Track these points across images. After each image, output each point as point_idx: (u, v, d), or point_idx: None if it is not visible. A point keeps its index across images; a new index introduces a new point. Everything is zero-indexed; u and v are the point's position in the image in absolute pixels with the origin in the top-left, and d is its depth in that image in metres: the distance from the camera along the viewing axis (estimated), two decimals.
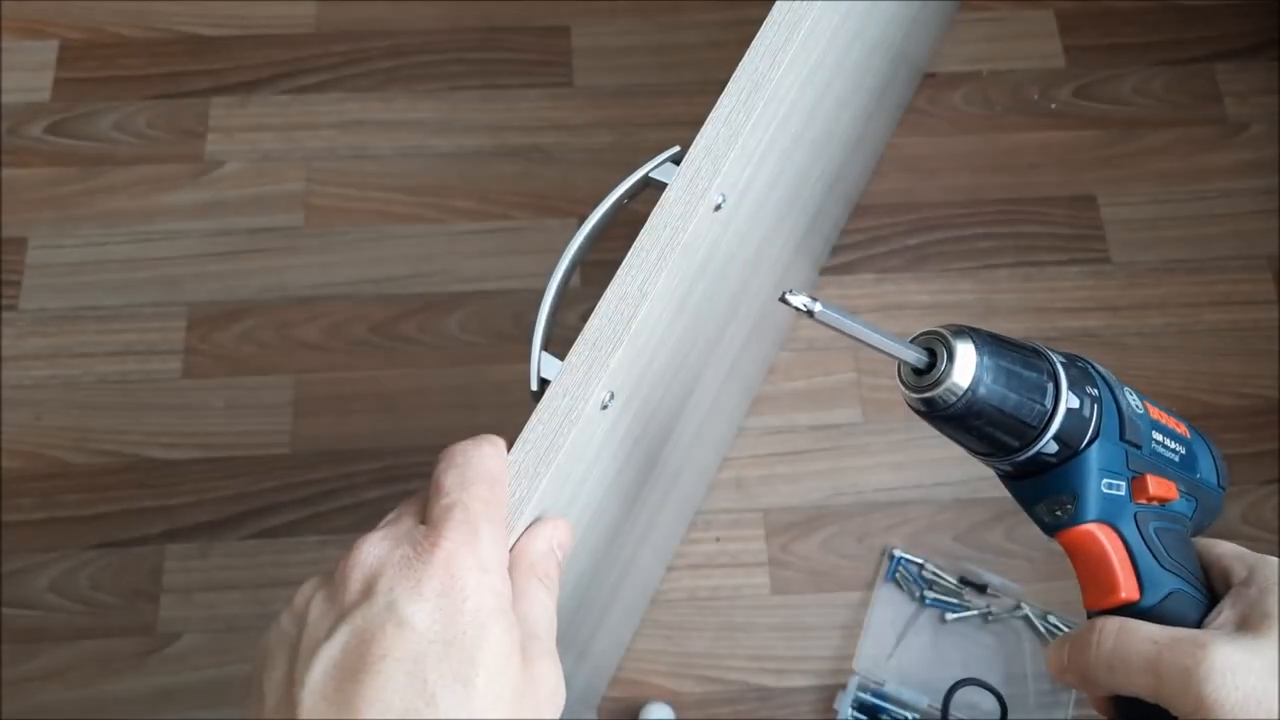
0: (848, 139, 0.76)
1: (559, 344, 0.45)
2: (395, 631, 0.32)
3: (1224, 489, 0.48)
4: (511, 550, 0.38)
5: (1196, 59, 1.06)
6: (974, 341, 0.39)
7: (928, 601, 0.85)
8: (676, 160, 0.46)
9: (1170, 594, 0.42)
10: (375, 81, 1.04)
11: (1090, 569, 0.43)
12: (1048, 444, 0.40)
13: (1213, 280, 0.97)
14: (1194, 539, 0.46)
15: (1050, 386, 0.40)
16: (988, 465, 0.43)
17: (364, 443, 0.90)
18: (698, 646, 0.85)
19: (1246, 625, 0.40)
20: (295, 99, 1.03)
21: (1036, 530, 0.44)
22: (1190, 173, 1.01)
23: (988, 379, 0.39)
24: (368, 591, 0.33)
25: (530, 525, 0.39)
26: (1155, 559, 0.42)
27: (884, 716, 0.82)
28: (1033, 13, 1.08)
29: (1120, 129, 1.03)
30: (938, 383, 0.39)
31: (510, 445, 0.41)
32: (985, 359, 0.39)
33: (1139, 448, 0.43)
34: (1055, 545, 0.46)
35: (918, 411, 0.41)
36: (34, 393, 0.92)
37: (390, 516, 0.37)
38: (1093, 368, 0.43)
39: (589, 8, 1.07)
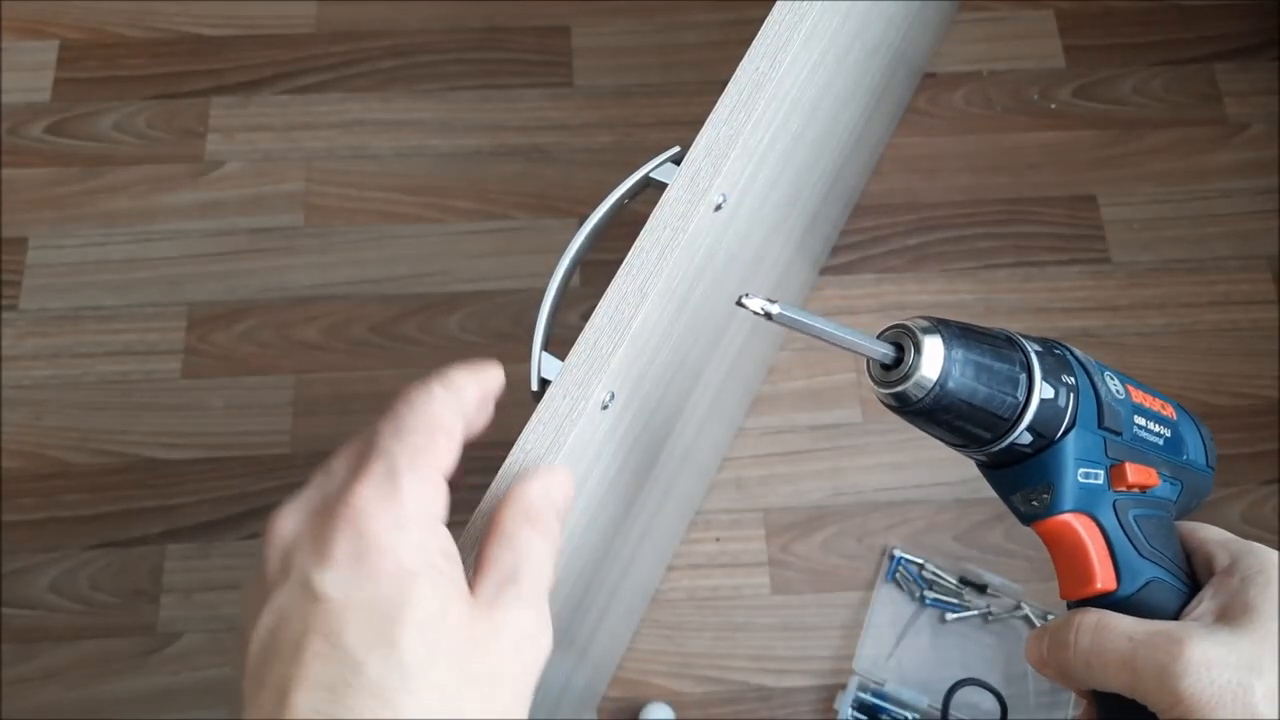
0: (848, 139, 0.76)
1: (559, 344, 0.45)
2: (311, 606, 0.30)
3: (1213, 469, 0.48)
4: (506, 493, 0.36)
5: (1196, 59, 1.06)
6: (942, 335, 0.39)
7: (928, 601, 0.85)
8: (677, 160, 0.46)
9: (1148, 583, 0.42)
10: (375, 81, 1.04)
11: (1066, 559, 0.42)
12: (1021, 435, 0.40)
13: (1212, 280, 0.97)
14: (1180, 523, 0.46)
15: (1023, 377, 0.40)
16: (964, 455, 0.43)
17: None
18: (698, 646, 0.85)
19: (1225, 617, 0.40)
20: (295, 99, 1.03)
21: (998, 494, 0.44)
22: (1190, 173, 1.01)
23: (956, 372, 0.38)
24: (284, 568, 0.32)
25: (522, 471, 0.38)
26: (1134, 547, 0.42)
27: (884, 716, 0.82)
28: (1033, 13, 1.08)
29: (1120, 129, 1.03)
30: (905, 377, 0.39)
31: (510, 446, 0.41)
32: (953, 352, 0.39)
33: (1119, 434, 0.43)
34: None
35: (888, 406, 0.40)
36: (34, 393, 0.92)
37: (319, 472, 0.35)
38: (1070, 354, 0.42)
39: (589, 8, 1.07)
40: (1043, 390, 0.40)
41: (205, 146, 1.01)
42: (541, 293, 0.47)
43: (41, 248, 0.97)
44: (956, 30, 1.06)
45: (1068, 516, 0.41)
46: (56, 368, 0.92)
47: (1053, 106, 1.04)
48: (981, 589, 0.85)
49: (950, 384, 0.38)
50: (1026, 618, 0.84)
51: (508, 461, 0.41)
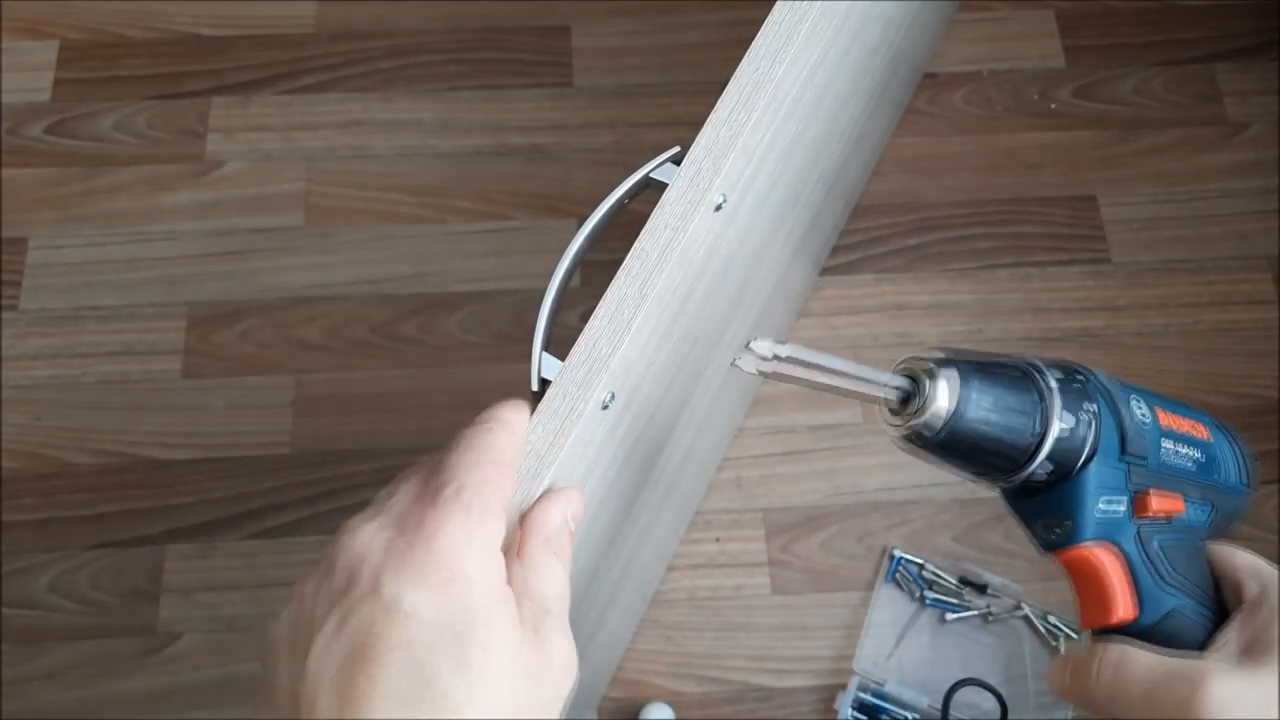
0: (848, 139, 0.76)
1: (559, 344, 0.45)
2: (385, 618, 0.31)
3: (1251, 489, 0.47)
4: (523, 521, 0.37)
5: (1196, 59, 1.06)
6: (957, 368, 0.38)
7: (928, 602, 0.85)
8: (677, 160, 0.46)
9: (1170, 613, 0.41)
10: (375, 82, 1.04)
11: (1087, 588, 0.42)
12: (1039, 467, 0.40)
13: (1212, 280, 0.97)
14: (1213, 545, 0.45)
15: (1039, 411, 0.39)
16: (983, 485, 0.43)
17: (364, 443, 0.90)
18: (698, 646, 0.85)
19: (1249, 653, 0.39)
20: (295, 99, 1.03)
21: (1020, 523, 0.44)
22: (1190, 173, 1.01)
23: (970, 408, 0.38)
24: (353, 578, 0.33)
25: (541, 496, 0.39)
26: (1157, 576, 0.41)
27: (884, 716, 0.82)
28: (1033, 13, 1.08)
29: (1120, 129, 1.03)
30: (918, 413, 0.38)
31: None
32: (968, 386, 0.38)
33: (1144, 459, 0.42)
34: None
35: (902, 444, 0.40)
36: (34, 393, 0.92)
37: (382, 494, 0.36)
38: (1094, 380, 0.42)
39: (589, 8, 1.07)
40: (1061, 422, 0.39)
41: (205, 147, 1.01)
42: (541, 293, 0.47)
43: (42, 248, 0.97)
44: (956, 30, 1.06)
45: (1088, 546, 0.41)
46: (56, 368, 0.92)
47: (1053, 106, 1.04)
48: (981, 589, 0.85)
49: (964, 420, 0.38)
50: (1026, 618, 0.84)
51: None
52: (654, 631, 0.85)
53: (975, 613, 0.85)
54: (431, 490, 0.34)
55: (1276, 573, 0.42)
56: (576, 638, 0.64)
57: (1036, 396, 0.39)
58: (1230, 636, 0.41)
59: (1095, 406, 0.40)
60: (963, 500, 0.89)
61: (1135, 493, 0.42)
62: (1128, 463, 0.41)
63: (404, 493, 0.35)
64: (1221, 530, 0.46)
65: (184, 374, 0.93)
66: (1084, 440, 0.40)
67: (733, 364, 0.37)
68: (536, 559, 0.36)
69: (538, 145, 1.02)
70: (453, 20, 1.07)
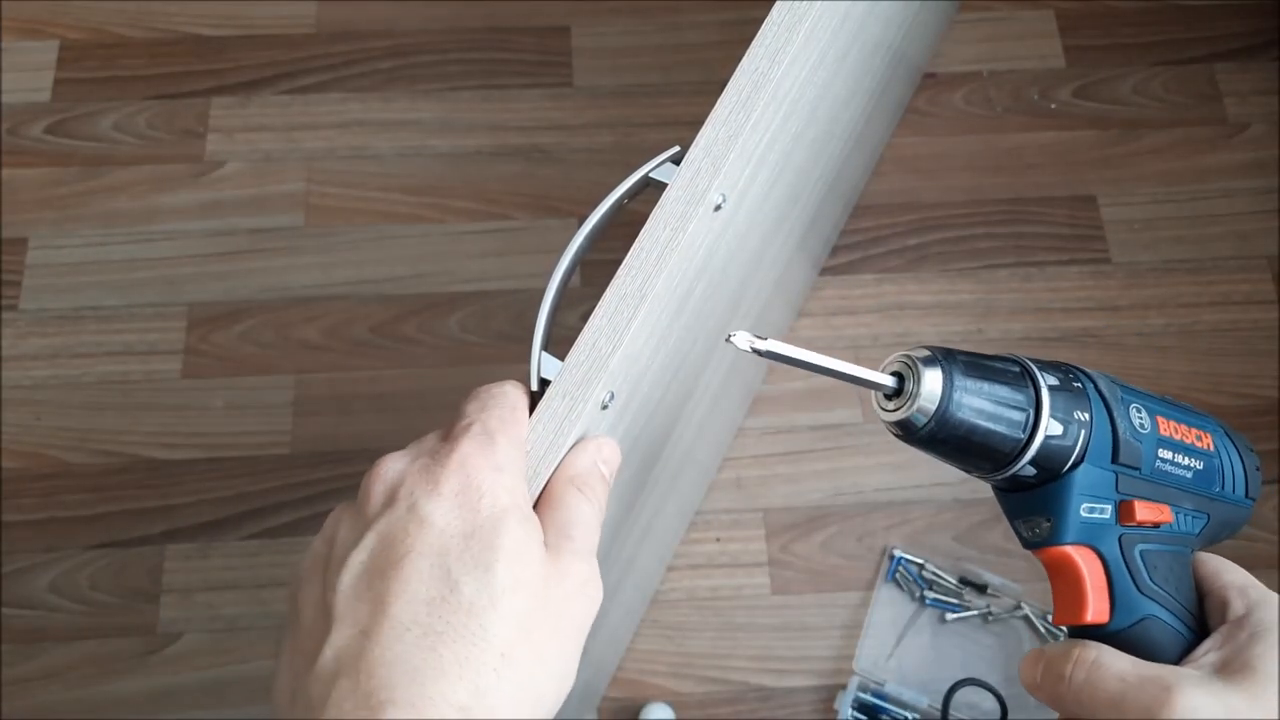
0: (847, 139, 0.76)
1: (559, 344, 0.45)
2: (417, 530, 0.34)
3: (1253, 499, 0.46)
4: (558, 467, 0.40)
5: (1196, 59, 1.06)
6: (943, 366, 0.38)
7: (928, 602, 0.85)
8: (676, 160, 0.46)
9: (1143, 620, 0.41)
10: (375, 82, 1.04)
11: (1061, 587, 0.42)
12: (1024, 468, 0.40)
13: (1212, 280, 0.97)
14: (1204, 557, 0.44)
15: (1028, 415, 0.39)
16: (972, 477, 0.43)
17: (364, 443, 0.90)
18: (698, 647, 0.85)
19: (1225, 670, 0.39)
20: (295, 99, 1.03)
21: (1005, 516, 0.44)
22: (1190, 173, 1.01)
23: (955, 406, 0.38)
24: (390, 499, 0.36)
25: (575, 444, 0.41)
26: (1134, 583, 0.41)
27: (884, 716, 0.82)
28: (1033, 13, 1.08)
29: (1120, 129, 1.03)
30: (905, 407, 0.39)
31: None
32: (954, 385, 0.38)
33: (1136, 469, 0.42)
34: None
35: (892, 434, 0.40)
36: (34, 393, 0.92)
37: (408, 447, 0.39)
38: (1091, 386, 0.41)
39: (589, 8, 1.07)
40: (1049, 428, 0.39)
41: (205, 147, 1.01)
42: (541, 293, 0.47)
43: (41, 248, 0.97)
44: (956, 30, 1.06)
45: (1068, 548, 0.41)
46: (56, 368, 0.92)
47: (1053, 106, 1.04)
48: (981, 589, 0.85)
49: (949, 417, 0.38)
50: (1026, 618, 0.84)
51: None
52: (654, 631, 0.85)
53: (975, 613, 0.85)
54: (456, 432, 0.38)
55: (1264, 594, 0.42)
56: None
57: (1028, 398, 0.39)
58: (1208, 652, 0.40)
59: (1087, 415, 0.40)
60: (963, 500, 0.89)
61: (1121, 500, 0.42)
62: (1117, 470, 0.41)
63: (429, 439, 0.39)
64: (1215, 539, 0.46)
65: (184, 374, 0.93)
66: (1071, 447, 0.40)
67: (727, 339, 0.38)
68: (559, 493, 0.39)
69: (538, 145, 1.02)
70: (453, 20, 1.07)
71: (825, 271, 0.97)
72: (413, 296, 0.95)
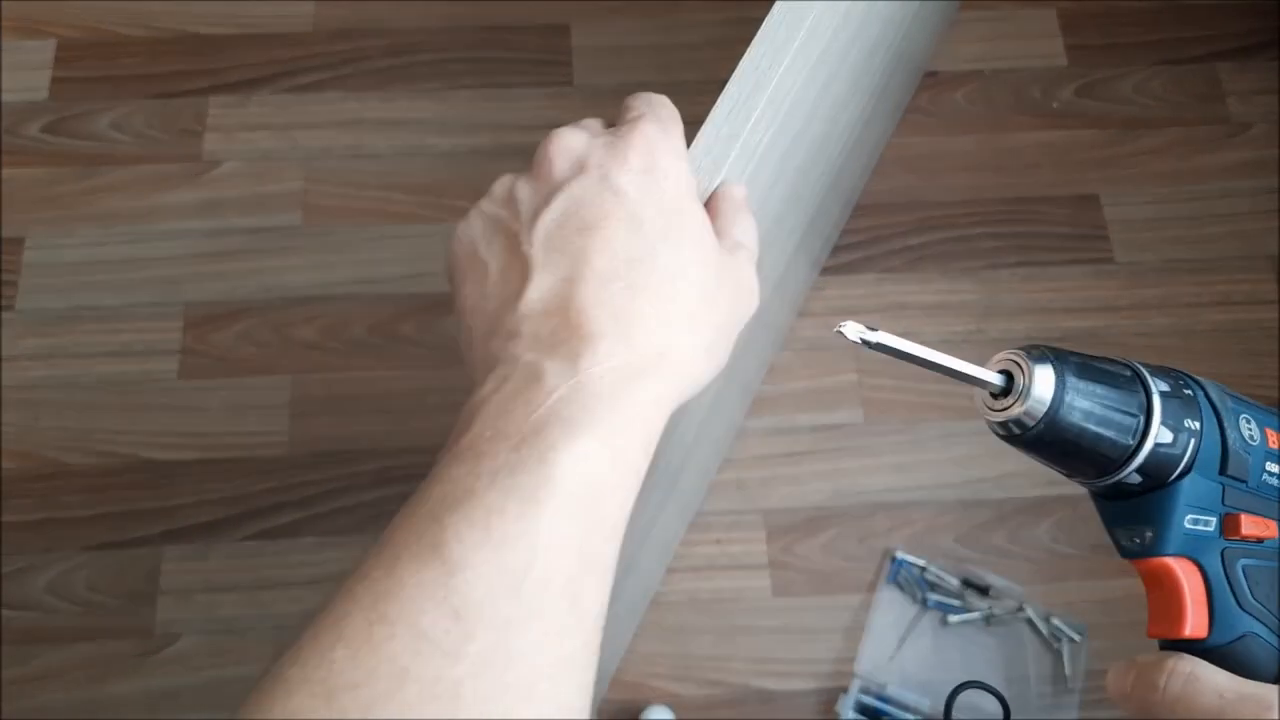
0: (848, 139, 0.76)
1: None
2: (613, 198, 0.37)
3: None
4: (713, 195, 0.43)
5: (1198, 58, 1.06)
6: (1054, 365, 0.38)
7: (930, 603, 0.85)
8: None
9: (1242, 637, 0.40)
10: (374, 80, 1.04)
11: (1160, 600, 0.41)
12: (1130, 476, 0.39)
13: (1214, 280, 0.97)
14: None
15: (1139, 420, 0.38)
16: (1073, 482, 0.42)
17: (362, 443, 0.90)
18: (698, 649, 0.85)
19: None
20: (294, 98, 1.03)
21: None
22: (1191, 172, 1.01)
23: (1065, 408, 0.37)
24: (580, 168, 0.38)
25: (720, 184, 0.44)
26: (1236, 598, 0.40)
27: (885, 719, 0.82)
28: (1034, 12, 1.07)
29: (1121, 129, 1.03)
30: (1013, 407, 0.38)
31: None
32: (1066, 387, 0.37)
33: (1243, 481, 0.41)
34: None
35: (995, 433, 0.39)
36: (32, 393, 0.91)
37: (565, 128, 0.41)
38: (1203, 393, 0.41)
39: (589, 7, 1.07)
40: (1159, 435, 0.38)
41: (203, 146, 1.01)
42: None
43: (39, 248, 0.96)
44: (957, 30, 1.06)
45: (1169, 560, 0.40)
46: (54, 368, 0.92)
47: (1054, 106, 1.03)
48: (983, 591, 0.85)
49: (1058, 419, 0.37)
50: (1029, 620, 0.84)
51: None
52: (654, 633, 0.85)
53: (977, 615, 0.84)
54: (630, 119, 0.41)
55: None
56: None
57: (1139, 403, 0.38)
58: None
59: (1198, 424, 0.39)
60: (965, 502, 0.88)
61: (1226, 513, 0.40)
62: (1224, 482, 0.40)
63: (595, 123, 0.42)
64: None
65: (181, 374, 0.92)
66: (1179, 456, 0.39)
67: (836, 331, 0.38)
68: (730, 206, 0.42)
69: (537, 143, 1.01)
70: (452, 19, 1.07)
71: (826, 271, 0.96)
72: (411, 296, 0.95)
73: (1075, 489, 0.42)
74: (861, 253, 0.97)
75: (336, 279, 0.96)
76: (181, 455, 0.90)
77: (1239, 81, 1.04)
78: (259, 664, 0.83)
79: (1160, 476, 0.39)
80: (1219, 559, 0.41)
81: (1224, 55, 1.06)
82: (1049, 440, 0.38)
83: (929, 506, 0.89)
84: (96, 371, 0.92)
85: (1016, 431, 0.38)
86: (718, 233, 0.40)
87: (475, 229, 0.39)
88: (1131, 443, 0.38)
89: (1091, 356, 0.39)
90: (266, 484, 0.89)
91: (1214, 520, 0.40)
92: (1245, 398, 0.43)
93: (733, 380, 0.76)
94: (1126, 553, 0.41)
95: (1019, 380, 0.38)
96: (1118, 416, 0.38)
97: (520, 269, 0.36)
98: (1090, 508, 0.42)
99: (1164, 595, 0.41)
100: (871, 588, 0.86)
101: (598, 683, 0.84)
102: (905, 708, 0.82)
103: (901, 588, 0.86)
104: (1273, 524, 0.42)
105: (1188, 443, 0.39)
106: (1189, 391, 0.40)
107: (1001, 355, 0.39)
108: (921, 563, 0.86)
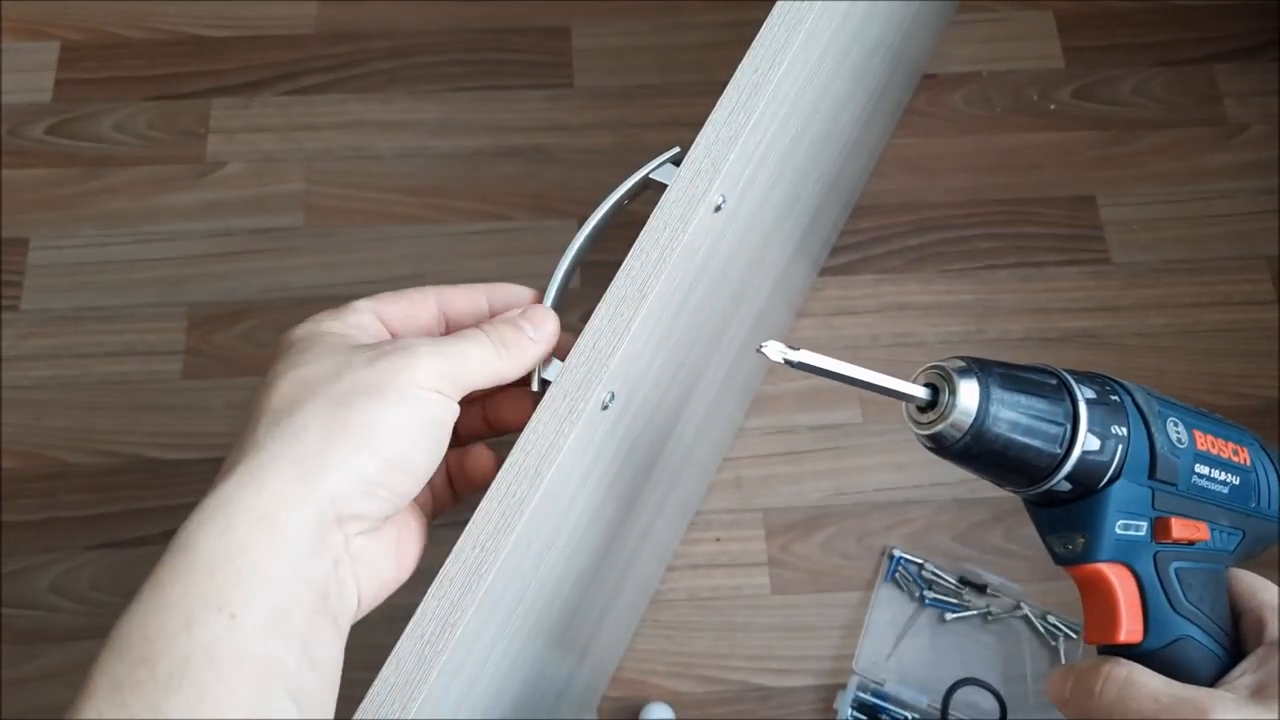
0: (847, 139, 0.76)
1: (559, 344, 0.45)
2: None
3: None
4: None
5: (1196, 60, 1.06)
6: (978, 378, 0.38)
7: (927, 601, 0.85)
8: (676, 161, 0.46)
9: (1177, 640, 0.40)
10: (376, 82, 1.04)
11: (1094, 606, 0.41)
12: (1059, 484, 0.39)
13: (1212, 281, 0.97)
14: (1239, 575, 0.44)
15: (1065, 429, 0.38)
16: (1005, 490, 0.42)
17: None
18: (698, 646, 0.85)
19: (1261, 694, 0.38)
20: (296, 100, 1.03)
21: (1036, 532, 0.43)
22: (1190, 173, 1.01)
23: (991, 419, 0.37)
24: None
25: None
26: (1169, 602, 0.40)
27: (884, 716, 0.82)
28: (1032, 13, 1.08)
29: (1120, 130, 1.03)
30: (939, 420, 0.38)
31: (511, 446, 0.41)
32: (990, 398, 0.37)
33: (1173, 484, 0.41)
34: None
35: (925, 446, 0.39)
36: (34, 393, 0.92)
37: None
38: (1129, 399, 0.40)
39: (590, 8, 1.07)
40: (1086, 443, 0.38)
41: (206, 147, 1.01)
42: (541, 293, 0.47)
43: (42, 248, 0.97)
44: (956, 31, 1.07)
45: (1101, 566, 0.40)
46: (57, 368, 0.93)
47: (1052, 107, 1.04)
48: (981, 589, 0.85)
49: (985, 430, 0.37)
50: (1026, 618, 0.84)
51: (508, 461, 0.41)
52: (654, 631, 0.85)
53: (975, 612, 0.85)
54: None
55: None
56: (576, 638, 0.64)
57: (1065, 411, 0.39)
58: (1244, 673, 0.40)
59: (1125, 430, 0.39)
60: (963, 500, 0.89)
61: (1156, 517, 0.41)
62: (1153, 486, 0.40)
63: None
64: (1249, 555, 0.45)
65: (184, 374, 0.93)
66: (1108, 463, 0.39)
67: (758, 350, 0.37)
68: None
69: (538, 146, 1.02)
70: (453, 21, 1.07)
71: (825, 272, 0.97)
72: None
73: None
74: (860, 253, 0.98)
75: (338, 279, 0.96)
76: (184, 455, 0.90)
77: (1237, 83, 1.05)
78: None
79: (1090, 483, 0.39)
80: (1152, 563, 0.41)
81: (1222, 57, 1.06)
82: (976, 452, 0.38)
83: (927, 505, 0.89)
84: (99, 371, 0.93)
85: (944, 444, 0.38)
86: None
87: None
88: (1059, 451, 0.38)
89: (1017, 366, 0.39)
90: None
91: (1145, 525, 0.40)
92: (1173, 400, 0.42)
93: (732, 380, 0.76)
94: (1060, 559, 0.42)
95: (943, 394, 0.38)
96: (1044, 426, 0.38)
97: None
98: None
99: (1099, 601, 0.41)
100: (870, 586, 0.87)
101: (598, 681, 0.84)
102: (903, 705, 0.82)
103: (899, 586, 0.86)
104: (1203, 526, 0.42)
105: (1115, 449, 0.39)
106: (1115, 397, 0.40)
107: (926, 368, 0.39)
108: (919, 561, 0.86)
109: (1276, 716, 0.37)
